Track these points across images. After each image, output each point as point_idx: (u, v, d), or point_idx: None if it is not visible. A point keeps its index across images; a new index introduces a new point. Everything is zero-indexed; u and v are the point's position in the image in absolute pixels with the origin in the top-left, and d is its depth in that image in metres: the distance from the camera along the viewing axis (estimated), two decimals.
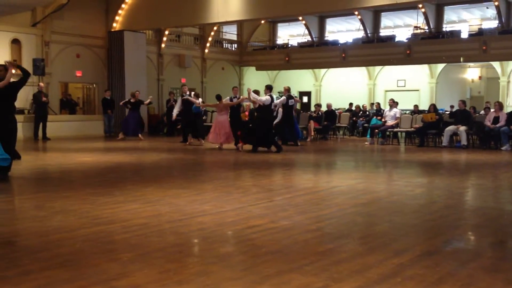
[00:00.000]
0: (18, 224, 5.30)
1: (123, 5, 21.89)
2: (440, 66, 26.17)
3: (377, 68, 27.73)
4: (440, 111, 18.25)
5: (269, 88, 13.78)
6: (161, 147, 15.03)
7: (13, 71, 8.47)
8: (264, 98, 13.41)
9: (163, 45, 24.73)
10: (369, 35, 26.46)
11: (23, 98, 18.59)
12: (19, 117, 17.56)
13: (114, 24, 22.17)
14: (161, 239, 4.66)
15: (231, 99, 14.92)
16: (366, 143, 17.09)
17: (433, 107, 16.74)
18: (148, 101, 18.48)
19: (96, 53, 22.37)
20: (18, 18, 20.33)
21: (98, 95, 22.30)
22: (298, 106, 26.95)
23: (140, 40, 22.58)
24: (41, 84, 18.25)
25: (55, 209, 5.89)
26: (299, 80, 30.25)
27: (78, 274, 3.66)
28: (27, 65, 19.35)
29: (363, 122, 20.57)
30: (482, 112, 17.39)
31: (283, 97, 15.45)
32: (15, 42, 19.54)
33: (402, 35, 26.29)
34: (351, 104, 23.30)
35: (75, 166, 10.44)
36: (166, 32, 24.61)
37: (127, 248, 4.35)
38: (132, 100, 18.06)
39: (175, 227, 5.13)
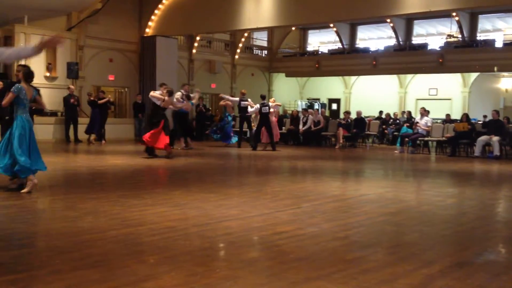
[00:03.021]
0: (50, 224, 5.40)
1: (156, 11, 22.19)
2: (473, 75, 25.73)
3: (409, 76, 27.42)
4: (473, 121, 17.94)
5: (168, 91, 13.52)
6: (191, 152, 15.12)
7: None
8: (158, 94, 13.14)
9: (194, 51, 24.96)
10: (401, 42, 26.18)
11: (56, 101, 19.02)
12: (50, 119, 18.32)
13: (147, 30, 22.48)
14: (188, 243, 4.69)
15: (182, 96, 15.09)
16: (395, 151, 16.90)
17: (465, 117, 16.50)
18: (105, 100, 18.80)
19: (129, 58, 22.71)
20: (54, 22, 20.80)
21: (129, 99, 22.62)
22: (327, 113, 26.90)
23: (172, 46, 22.81)
24: (71, 87, 18.59)
25: (86, 210, 5.99)
26: (328, 87, 30.15)
27: (108, 275, 3.71)
28: (62, 68, 19.87)
29: (393, 130, 20.35)
30: None
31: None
32: None
33: (435, 43, 25.91)
34: (381, 112, 23.10)
35: (106, 169, 10.61)
36: (198, 38, 24.83)
37: (155, 251, 4.39)
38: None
39: (202, 231, 5.15)
